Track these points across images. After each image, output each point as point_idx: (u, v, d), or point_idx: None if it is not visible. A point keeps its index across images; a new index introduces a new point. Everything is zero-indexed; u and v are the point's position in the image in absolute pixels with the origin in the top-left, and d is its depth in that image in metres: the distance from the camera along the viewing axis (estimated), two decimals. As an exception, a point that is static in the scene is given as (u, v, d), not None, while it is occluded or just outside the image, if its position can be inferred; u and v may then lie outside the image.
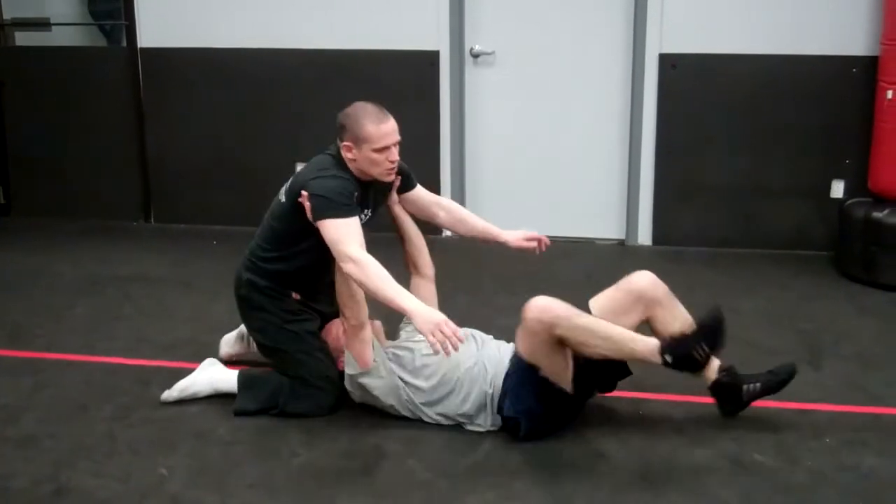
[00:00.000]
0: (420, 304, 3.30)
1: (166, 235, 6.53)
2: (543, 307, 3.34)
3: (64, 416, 3.78)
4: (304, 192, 3.52)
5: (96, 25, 7.33)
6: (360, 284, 3.39)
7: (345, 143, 3.59)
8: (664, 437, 3.58)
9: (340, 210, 3.46)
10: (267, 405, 3.76)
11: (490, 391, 3.54)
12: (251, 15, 6.33)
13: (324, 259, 3.56)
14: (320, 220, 3.47)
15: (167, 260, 5.94)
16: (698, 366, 3.33)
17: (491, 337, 3.85)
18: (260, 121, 6.47)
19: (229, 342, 4.24)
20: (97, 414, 3.78)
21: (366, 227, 3.58)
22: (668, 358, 3.29)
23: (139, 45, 6.53)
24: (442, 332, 3.16)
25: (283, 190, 3.73)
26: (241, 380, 3.85)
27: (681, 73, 5.95)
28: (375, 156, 3.55)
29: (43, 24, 6.84)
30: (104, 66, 6.69)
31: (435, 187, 6.23)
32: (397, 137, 3.59)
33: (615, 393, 3.92)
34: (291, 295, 3.78)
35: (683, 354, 3.30)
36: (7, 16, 6.81)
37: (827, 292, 5.27)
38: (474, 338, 3.76)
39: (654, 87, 5.99)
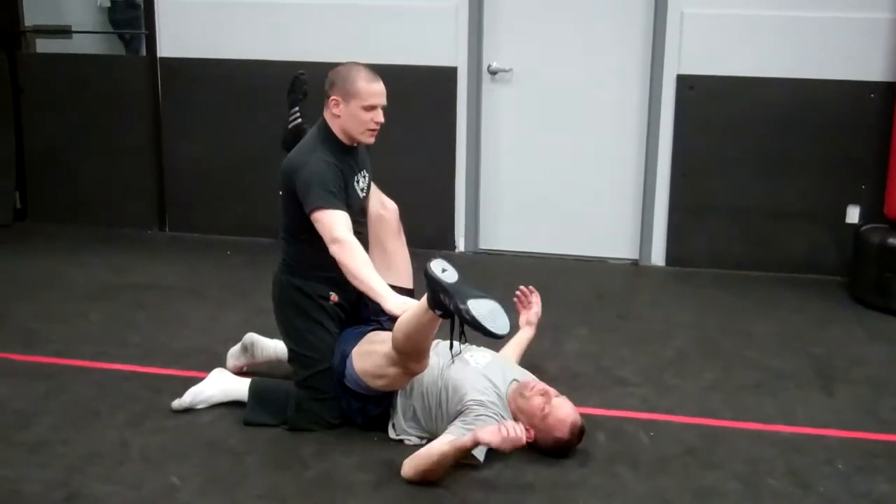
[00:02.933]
0: (391, 292, 3.43)
1: (180, 244, 6.55)
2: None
3: (76, 422, 3.79)
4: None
5: (116, 34, 7.39)
6: (342, 265, 3.49)
7: (333, 97, 3.63)
8: (676, 458, 3.57)
9: (327, 202, 3.53)
10: (276, 420, 3.77)
11: (424, 404, 3.59)
12: (270, 27, 6.37)
13: None
14: (310, 212, 3.55)
15: (180, 269, 5.95)
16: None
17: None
18: (276, 133, 6.43)
19: (235, 355, 4.25)
20: (110, 421, 3.80)
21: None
22: (439, 311, 3.23)
23: (159, 55, 6.57)
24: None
25: None
26: (253, 389, 3.86)
27: (698, 94, 5.95)
28: (362, 113, 3.60)
29: (64, 32, 6.89)
30: (123, 75, 6.72)
31: (450, 202, 6.30)
32: (385, 101, 3.66)
33: (626, 413, 3.94)
34: (329, 298, 3.76)
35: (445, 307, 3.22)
36: (28, 23, 6.85)
37: (839, 317, 5.26)
38: (438, 355, 3.70)
39: (672, 108, 5.99)
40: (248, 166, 6.57)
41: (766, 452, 3.62)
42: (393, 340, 3.41)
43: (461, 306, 3.14)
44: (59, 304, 5.25)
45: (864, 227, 5.55)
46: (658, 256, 6.21)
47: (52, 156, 6.87)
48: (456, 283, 3.20)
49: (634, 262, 6.29)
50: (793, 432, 3.81)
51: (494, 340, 3.39)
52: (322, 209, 3.54)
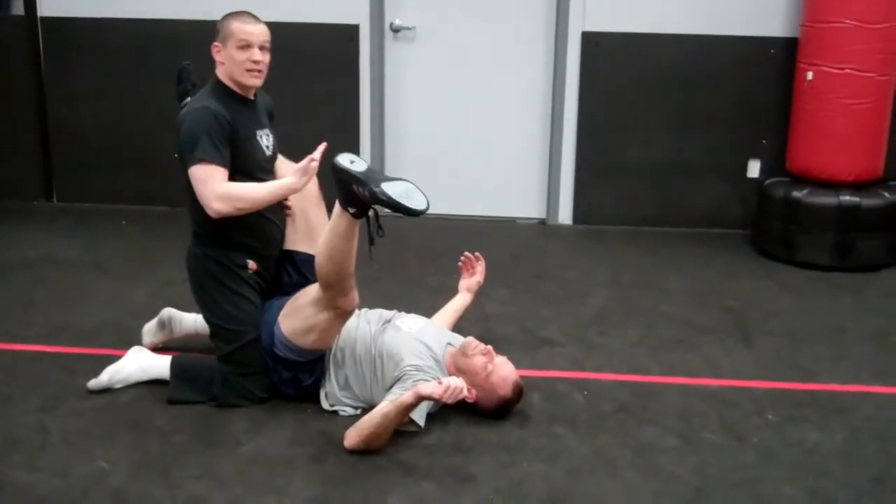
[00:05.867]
0: (288, 179, 3.47)
1: (71, 215, 6.25)
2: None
3: (-13, 407, 3.58)
4: None
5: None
6: (240, 210, 3.45)
7: (215, 44, 3.56)
8: (611, 416, 3.58)
9: (209, 155, 3.42)
10: (202, 397, 3.62)
11: (357, 372, 3.53)
12: (161, -16, 6.11)
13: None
14: (189, 166, 3.46)
15: (76, 241, 5.68)
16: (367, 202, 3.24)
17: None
18: (169, 95, 6.18)
19: (151, 331, 4.07)
20: (24, 405, 3.58)
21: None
22: (351, 209, 3.24)
23: (39, 14, 6.22)
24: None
25: None
26: (175, 367, 3.70)
27: (603, 51, 5.96)
28: (238, 53, 3.50)
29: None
30: (0, 36, 6.34)
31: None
32: (263, 39, 3.56)
33: (556, 373, 3.93)
34: (248, 266, 3.63)
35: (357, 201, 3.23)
36: None
37: (748, 270, 5.36)
38: (369, 322, 3.66)
39: (577, 66, 5.99)
40: (141, 131, 6.30)
41: (698, 406, 3.66)
42: (317, 273, 3.36)
43: (375, 189, 3.12)
44: (-53, 282, 4.96)
45: (767, 181, 5.66)
46: (565, 215, 6.23)
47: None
48: (366, 171, 3.19)
49: (542, 222, 6.29)
50: (720, 385, 3.86)
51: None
52: (205, 162, 3.42)
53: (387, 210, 3.20)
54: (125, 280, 4.99)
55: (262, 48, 3.54)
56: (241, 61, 3.52)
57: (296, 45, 6.00)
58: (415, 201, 3.19)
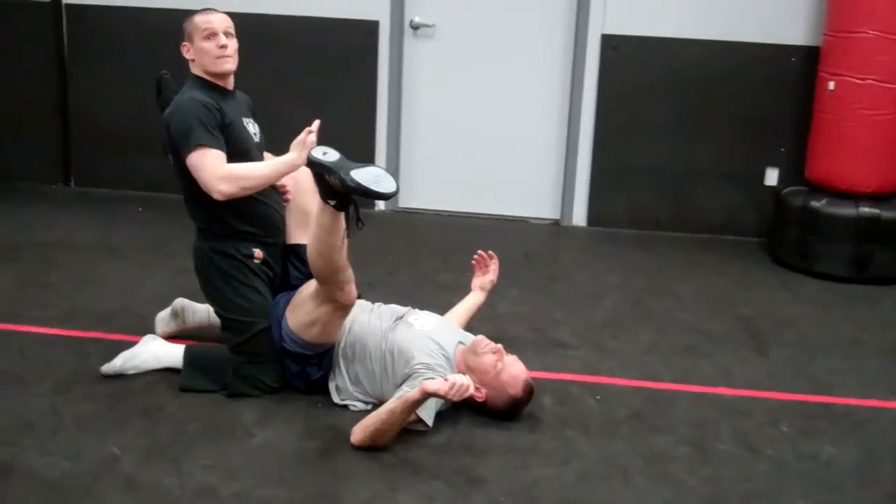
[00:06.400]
0: (290, 155, 3.49)
1: (87, 200, 6.27)
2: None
3: (1, 389, 3.57)
4: None
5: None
6: (245, 189, 3.49)
7: (183, 44, 3.65)
8: (624, 422, 3.56)
9: (207, 140, 3.46)
10: (214, 386, 3.63)
11: (368, 368, 3.53)
12: (185, -26, 6.10)
13: None
14: (187, 154, 3.48)
15: (91, 225, 5.70)
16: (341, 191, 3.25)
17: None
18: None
19: (164, 320, 4.07)
20: (36, 388, 3.59)
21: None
22: (332, 202, 3.27)
23: (64, 1, 6.23)
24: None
25: None
26: (188, 355, 3.70)
27: (622, 54, 5.94)
28: (204, 44, 3.57)
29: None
30: (25, 22, 6.35)
31: (369, 160, 6.15)
32: (226, 25, 3.62)
33: (568, 376, 3.92)
34: (254, 255, 3.64)
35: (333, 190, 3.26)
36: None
37: (762, 279, 5.34)
38: (380, 318, 3.66)
39: (595, 68, 5.97)
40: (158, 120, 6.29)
41: (711, 415, 3.64)
42: (311, 268, 3.39)
43: (345, 176, 3.17)
44: (-37, 262, 4.97)
45: (785, 190, 5.63)
46: (579, 216, 6.21)
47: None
48: (338, 160, 3.24)
49: (556, 222, 6.28)
50: (734, 395, 3.84)
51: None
52: (202, 147, 3.46)
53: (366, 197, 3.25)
54: (140, 266, 4.99)
55: (226, 34, 3.60)
56: (210, 49, 3.58)
57: (315, 40, 6.01)
58: (383, 185, 3.23)
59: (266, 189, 3.62)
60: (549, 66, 6.11)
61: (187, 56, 3.65)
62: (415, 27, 6.12)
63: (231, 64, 3.64)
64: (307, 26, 5.98)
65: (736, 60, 5.87)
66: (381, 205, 6.25)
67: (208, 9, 3.66)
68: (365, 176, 3.19)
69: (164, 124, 3.60)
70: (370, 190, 3.19)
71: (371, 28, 6.06)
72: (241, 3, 5.95)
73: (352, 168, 3.20)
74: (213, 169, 3.45)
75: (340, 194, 3.23)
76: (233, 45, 3.62)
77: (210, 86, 3.63)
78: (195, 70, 3.65)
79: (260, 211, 3.65)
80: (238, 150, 3.58)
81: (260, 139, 3.79)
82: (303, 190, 3.77)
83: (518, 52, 6.10)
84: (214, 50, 3.58)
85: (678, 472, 3.21)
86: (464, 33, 6.12)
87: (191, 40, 3.61)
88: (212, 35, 3.57)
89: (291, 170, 3.53)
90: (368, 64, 6.12)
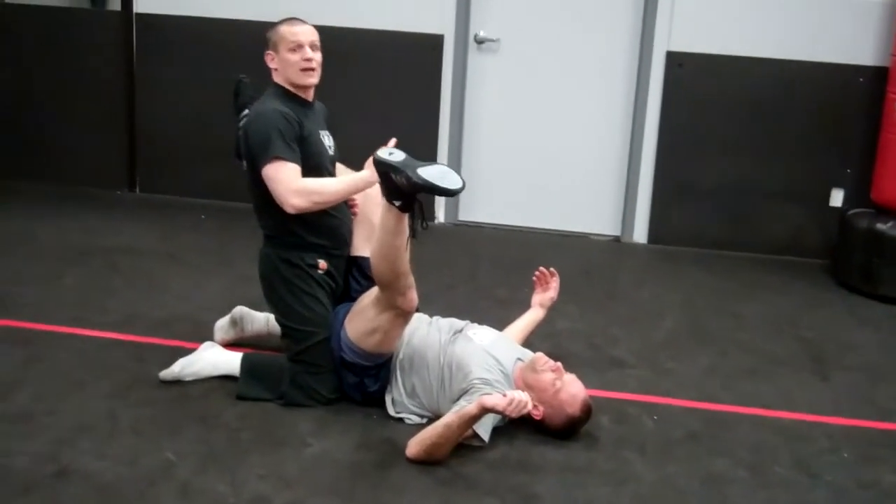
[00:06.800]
0: (364, 172, 3.55)
1: (152, 206, 6.36)
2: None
3: (60, 392, 3.62)
4: None
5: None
6: (317, 204, 3.52)
7: (267, 53, 3.65)
8: (681, 444, 3.51)
9: (283, 152, 3.48)
10: (271, 395, 3.64)
11: (425, 380, 3.51)
12: (252, -15, 6.18)
13: None
14: (263, 165, 3.50)
15: (155, 232, 5.77)
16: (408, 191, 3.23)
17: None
18: (254, 94, 6.30)
19: (223, 328, 4.10)
20: (95, 391, 3.64)
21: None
22: (396, 202, 3.24)
23: (135, 11, 6.34)
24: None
25: None
26: (245, 364, 3.72)
27: (687, 72, 5.89)
28: (289, 55, 3.59)
29: (33, -17, 6.61)
30: (96, 30, 6.48)
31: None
32: (312, 38, 3.64)
33: (626, 395, 3.88)
34: (318, 266, 3.66)
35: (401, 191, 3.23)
36: (-6, -28, 6.58)
37: (826, 301, 5.25)
38: (440, 331, 3.66)
39: (660, 85, 5.93)
40: (223, 128, 6.32)
41: (770, 439, 3.58)
42: (374, 273, 3.38)
43: (411, 174, 3.15)
44: (29, 265, 5.05)
45: (850, 212, 5.54)
46: (640, 234, 6.16)
47: (18, 112, 6.61)
48: (404, 160, 3.21)
49: (616, 239, 6.23)
50: (794, 419, 3.77)
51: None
52: (279, 160, 3.48)
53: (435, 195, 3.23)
54: (201, 273, 5.05)
55: (312, 47, 3.62)
56: (295, 62, 3.60)
57: (380, 52, 6.04)
58: (449, 181, 3.21)
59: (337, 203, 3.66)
60: (612, 83, 6.08)
61: (271, 65, 3.66)
62: (479, 41, 6.13)
63: (315, 77, 3.66)
64: (372, 40, 6.02)
65: (802, 80, 5.79)
66: (440, 218, 6.27)
67: (295, 19, 3.68)
68: (431, 173, 3.17)
69: (241, 130, 3.64)
70: (437, 186, 3.17)
71: (436, 42, 6.08)
72: (306, 16, 6.02)
73: (418, 166, 3.18)
74: (289, 182, 3.47)
75: (405, 195, 3.21)
76: (318, 58, 3.65)
77: (291, 96, 3.65)
78: (277, 79, 3.67)
79: (329, 224, 3.67)
80: (312, 164, 3.60)
81: (334, 152, 3.81)
82: (372, 202, 3.78)
83: (582, 67, 6.08)
84: (300, 62, 3.60)
85: (734, 496, 3.16)
86: (528, 48, 6.11)
87: (276, 50, 3.63)
88: (298, 47, 3.59)
89: (366, 187, 3.56)
90: (432, 77, 6.13)
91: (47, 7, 6.62)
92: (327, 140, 3.77)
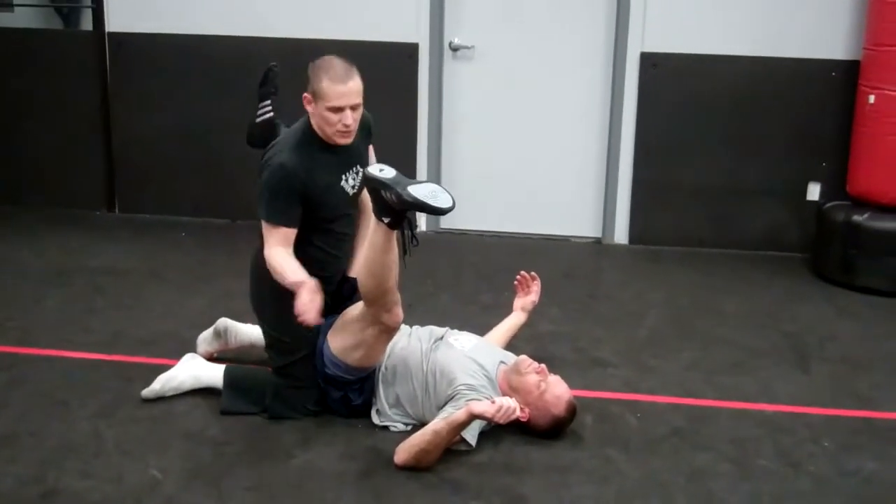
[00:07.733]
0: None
1: (132, 226, 6.35)
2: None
3: (44, 413, 3.62)
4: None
5: (53, 8, 7.13)
6: (268, 264, 3.46)
7: (306, 94, 3.51)
8: (665, 440, 3.54)
9: (269, 216, 3.46)
10: (254, 409, 3.65)
11: (408, 390, 3.54)
12: (223, 0, 6.18)
13: (323, 230, 3.60)
14: (258, 215, 3.50)
15: (136, 252, 5.77)
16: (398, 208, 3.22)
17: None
18: (230, 110, 6.24)
19: (207, 340, 4.11)
20: (80, 412, 3.64)
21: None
22: (386, 219, 3.24)
23: (107, 30, 6.34)
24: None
25: None
26: (228, 377, 3.73)
27: (661, 72, 5.92)
28: (328, 115, 3.44)
29: (5, 4, 6.62)
30: (68, 50, 6.47)
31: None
32: (355, 100, 3.47)
33: (609, 394, 3.91)
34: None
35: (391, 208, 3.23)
36: (-34, -4, 6.59)
37: (806, 294, 5.29)
38: (420, 339, 3.68)
39: (635, 86, 5.96)
40: (200, 146, 6.40)
41: (752, 432, 3.61)
42: (360, 289, 3.39)
43: (402, 192, 3.14)
44: (11, 288, 5.05)
45: (827, 205, 5.58)
46: (621, 235, 6.19)
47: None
48: (395, 177, 3.20)
49: (597, 241, 6.26)
50: (775, 411, 3.80)
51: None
52: (264, 222, 3.48)
53: (422, 213, 3.21)
54: (183, 291, 5.05)
55: (353, 108, 3.46)
56: (333, 122, 3.46)
57: (357, 63, 6.00)
58: (440, 200, 3.20)
59: (341, 241, 3.68)
60: (588, 86, 6.11)
61: (307, 108, 3.52)
62: (454, 49, 6.16)
63: (350, 139, 3.54)
64: (347, 50, 5.97)
65: (776, 76, 5.83)
66: (422, 226, 6.28)
67: (340, 67, 3.47)
68: (422, 191, 3.17)
69: (262, 163, 3.58)
70: (427, 205, 3.16)
71: (411, 51, 6.11)
72: (281, 28, 6.08)
73: (409, 184, 3.18)
74: (269, 246, 3.45)
75: (394, 212, 3.22)
76: (358, 115, 3.51)
77: (317, 140, 3.54)
78: (312, 121, 3.54)
79: (325, 259, 3.65)
80: (323, 214, 3.57)
81: (358, 187, 3.69)
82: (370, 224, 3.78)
83: (557, 71, 6.11)
84: (338, 125, 3.46)
85: (719, 490, 3.19)
86: (503, 54, 6.14)
87: (314, 99, 3.46)
88: (338, 109, 3.44)
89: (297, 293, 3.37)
90: (409, 86, 6.16)
91: (19, 29, 6.62)
92: (350, 181, 3.65)
